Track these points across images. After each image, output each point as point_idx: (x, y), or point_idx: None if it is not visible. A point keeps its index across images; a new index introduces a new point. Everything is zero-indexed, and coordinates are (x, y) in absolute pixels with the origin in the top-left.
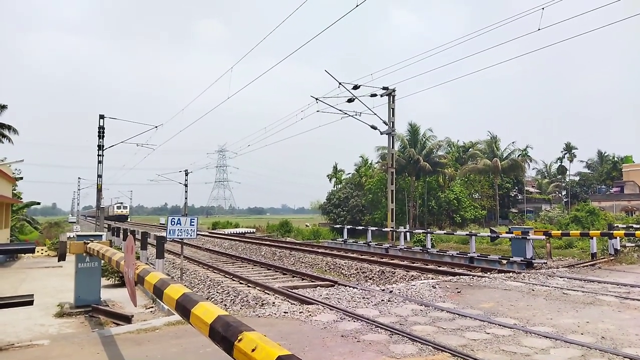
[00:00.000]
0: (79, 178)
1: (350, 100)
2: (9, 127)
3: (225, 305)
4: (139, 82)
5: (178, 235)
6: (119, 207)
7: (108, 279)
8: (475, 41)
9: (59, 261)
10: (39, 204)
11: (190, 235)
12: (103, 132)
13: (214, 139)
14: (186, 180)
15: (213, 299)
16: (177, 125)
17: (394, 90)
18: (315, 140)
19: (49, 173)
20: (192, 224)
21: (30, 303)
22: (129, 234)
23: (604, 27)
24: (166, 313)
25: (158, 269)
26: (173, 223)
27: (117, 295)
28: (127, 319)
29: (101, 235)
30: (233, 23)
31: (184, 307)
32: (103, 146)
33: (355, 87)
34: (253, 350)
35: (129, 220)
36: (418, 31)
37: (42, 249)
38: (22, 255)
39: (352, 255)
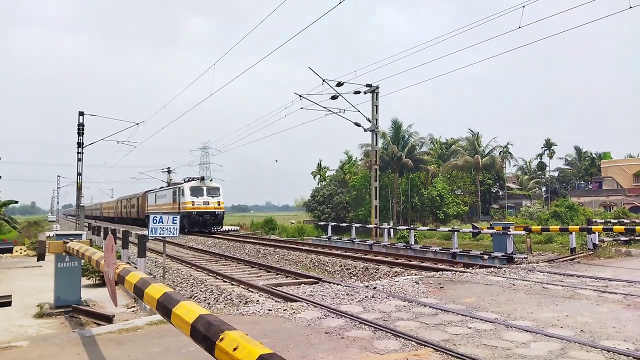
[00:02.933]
0: (58, 176)
1: (334, 98)
2: None
3: (209, 303)
4: (121, 80)
5: (160, 234)
6: (196, 191)
7: (89, 279)
8: (458, 39)
9: (38, 261)
10: (17, 202)
11: (173, 234)
12: (83, 130)
13: (197, 136)
14: (169, 178)
15: (196, 298)
16: (159, 122)
17: (377, 88)
18: (300, 137)
19: (27, 171)
20: (174, 222)
21: (9, 304)
22: (109, 232)
23: (583, 26)
24: (148, 312)
25: (140, 268)
26: (155, 221)
27: (98, 295)
28: (108, 319)
29: (81, 235)
30: (221, 21)
31: (164, 307)
32: (83, 144)
33: (339, 84)
34: (235, 349)
35: (223, 227)
36: (403, 30)
37: (21, 249)
38: (0, 255)
39: (336, 252)
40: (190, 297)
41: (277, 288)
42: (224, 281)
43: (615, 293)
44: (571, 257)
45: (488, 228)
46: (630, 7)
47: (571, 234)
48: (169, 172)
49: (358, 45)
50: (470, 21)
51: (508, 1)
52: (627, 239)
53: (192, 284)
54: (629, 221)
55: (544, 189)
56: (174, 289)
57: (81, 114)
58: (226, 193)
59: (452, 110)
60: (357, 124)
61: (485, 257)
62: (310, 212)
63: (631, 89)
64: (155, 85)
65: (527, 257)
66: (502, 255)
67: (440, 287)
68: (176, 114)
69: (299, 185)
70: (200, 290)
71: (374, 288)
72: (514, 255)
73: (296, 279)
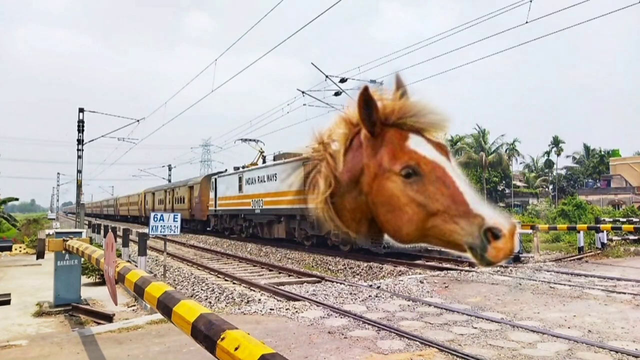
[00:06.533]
0: (58, 173)
1: (337, 94)
2: None
3: (210, 302)
4: (122, 77)
5: (161, 232)
6: None
7: (88, 277)
8: (464, 34)
9: (37, 259)
10: (17, 200)
11: (174, 232)
12: (83, 126)
13: (198, 133)
14: (170, 175)
15: (197, 297)
16: (160, 119)
17: (381, 84)
18: (302, 134)
19: (27, 168)
20: (176, 220)
21: (8, 302)
22: (109, 231)
23: (592, 20)
24: (149, 311)
25: (140, 267)
26: (156, 219)
27: (98, 293)
28: (109, 318)
29: (81, 232)
30: (222, 16)
31: (165, 306)
32: (83, 140)
33: (343, 81)
34: (236, 349)
35: None
36: (409, 26)
37: (20, 247)
38: (0, 253)
39: (339, 250)
40: (192, 296)
41: (279, 287)
42: (226, 280)
43: (624, 293)
44: (579, 257)
45: None
46: None
47: (579, 232)
48: (169, 169)
49: (363, 42)
50: (475, 16)
51: None
52: (637, 238)
53: (193, 282)
54: (638, 220)
55: (551, 187)
56: (175, 288)
57: (81, 110)
58: None
59: (458, 106)
60: None
61: None
62: None
63: None
64: (158, 83)
65: (533, 256)
66: None
67: (445, 287)
68: (177, 111)
69: None
70: (202, 289)
71: (378, 287)
72: (520, 254)
73: (298, 277)
